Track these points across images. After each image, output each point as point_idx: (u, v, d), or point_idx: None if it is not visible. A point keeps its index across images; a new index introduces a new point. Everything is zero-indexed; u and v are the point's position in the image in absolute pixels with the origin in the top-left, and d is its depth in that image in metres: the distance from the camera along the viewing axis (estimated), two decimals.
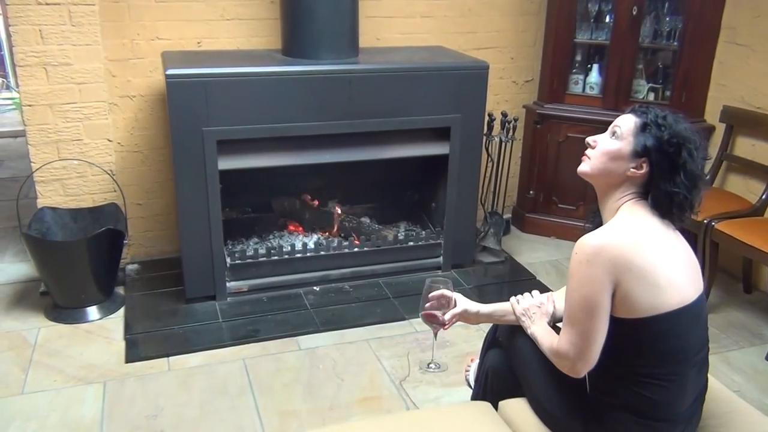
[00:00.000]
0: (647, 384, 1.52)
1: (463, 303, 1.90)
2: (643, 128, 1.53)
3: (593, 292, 1.48)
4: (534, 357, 1.72)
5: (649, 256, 1.48)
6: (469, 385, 2.15)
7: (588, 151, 1.62)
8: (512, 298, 1.85)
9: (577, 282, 1.51)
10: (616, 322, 1.51)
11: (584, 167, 1.62)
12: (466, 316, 1.90)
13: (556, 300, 1.84)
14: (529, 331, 1.75)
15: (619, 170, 1.56)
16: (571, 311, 1.54)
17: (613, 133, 1.58)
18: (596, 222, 1.67)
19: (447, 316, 1.89)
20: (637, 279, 1.46)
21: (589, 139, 1.62)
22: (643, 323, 1.49)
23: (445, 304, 1.92)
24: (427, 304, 1.94)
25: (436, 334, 2.00)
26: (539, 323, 1.74)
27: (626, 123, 1.56)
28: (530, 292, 1.88)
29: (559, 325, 1.72)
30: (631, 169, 1.54)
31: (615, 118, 1.62)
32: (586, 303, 1.49)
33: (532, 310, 1.78)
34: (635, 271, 1.46)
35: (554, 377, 1.64)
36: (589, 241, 1.50)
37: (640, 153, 1.52)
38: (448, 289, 1.94)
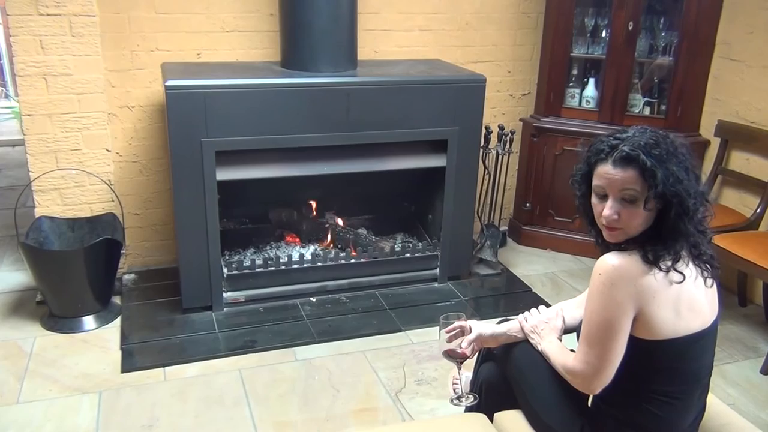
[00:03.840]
0: (655, 400, 1.52)
1: (478, 328, 1.84)
2: (652, 176, 1.42)
3: (615, 316, 1.45)
4: (531, 368, 1.71)
5: (674, 283, 1.46)
6: (452, 401, 1.93)
7: (614, 224, 1.49)
8: (520, 317, 1.82)
9: (599, 303, 1.48)
10: (633, 341, 1.49)
11: (620, 238, 1.51)
12: (483, 340, 1.83)
13: (566, 311, 1.82)
14: (539, 348, 1.72)
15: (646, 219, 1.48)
16: (589, 331, 1.51)
17: (628, 199, 1.46)
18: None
19: (464, 345, 1.82)
20: (662, 307, 1.45)
21: (611, 217, 1.48)
22: (661, 344, 1.47)
23: (461, 334, 1.85)
24: (447, 340, 1.83)
25: (460, 368, 1.86)
26: (549, 339, 1.73)
27: (632, 180, 1.44)
28: (537, 308, 1.85)
29: (566, 337, 1.71)
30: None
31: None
32: (607, 325, 1.47)
33: (540, 327, 1.76)
34: (659, 299, 1.44)
35: (551, 389, 1.64)
36: (613, 262, 1.46)
37: (657, 198, 1.44)
38: (461, 319, 1.86)
